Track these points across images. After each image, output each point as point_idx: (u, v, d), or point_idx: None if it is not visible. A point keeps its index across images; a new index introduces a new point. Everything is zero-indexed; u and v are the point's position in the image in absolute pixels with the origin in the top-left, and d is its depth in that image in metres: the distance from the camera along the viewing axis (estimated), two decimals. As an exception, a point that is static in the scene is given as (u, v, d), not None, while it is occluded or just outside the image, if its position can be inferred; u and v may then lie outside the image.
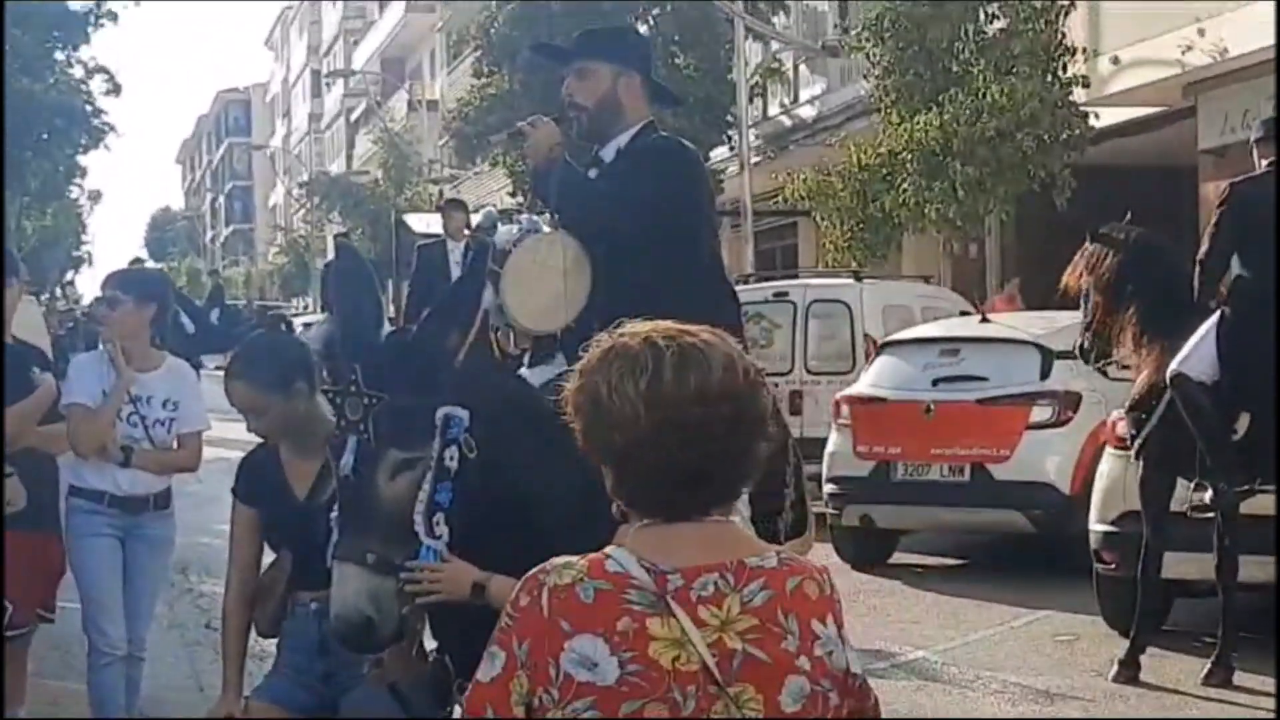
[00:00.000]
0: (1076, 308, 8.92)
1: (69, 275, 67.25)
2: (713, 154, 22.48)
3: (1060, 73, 16.82)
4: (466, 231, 14.23)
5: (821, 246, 20.33)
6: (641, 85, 5.00)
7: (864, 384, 12.29)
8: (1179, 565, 8.41)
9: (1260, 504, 8.02)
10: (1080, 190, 16.78)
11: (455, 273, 13.14)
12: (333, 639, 3.97)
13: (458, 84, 37.68)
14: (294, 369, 4.93)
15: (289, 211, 73.86)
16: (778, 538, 4.88)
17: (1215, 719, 7.71)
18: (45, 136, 31.90)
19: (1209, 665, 8.11)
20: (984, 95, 16.65)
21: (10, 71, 27.19)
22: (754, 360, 2.55)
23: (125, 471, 6.45)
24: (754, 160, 22.94)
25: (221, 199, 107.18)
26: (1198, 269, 8.08)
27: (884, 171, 17.98)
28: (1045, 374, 11.37)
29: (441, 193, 34.87)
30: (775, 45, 25.24)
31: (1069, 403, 11.14)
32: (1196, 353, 7.98)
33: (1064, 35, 16.93)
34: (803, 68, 26.07)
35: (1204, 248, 8.14)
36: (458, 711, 3.63)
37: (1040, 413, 11.21)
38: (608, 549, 2.43)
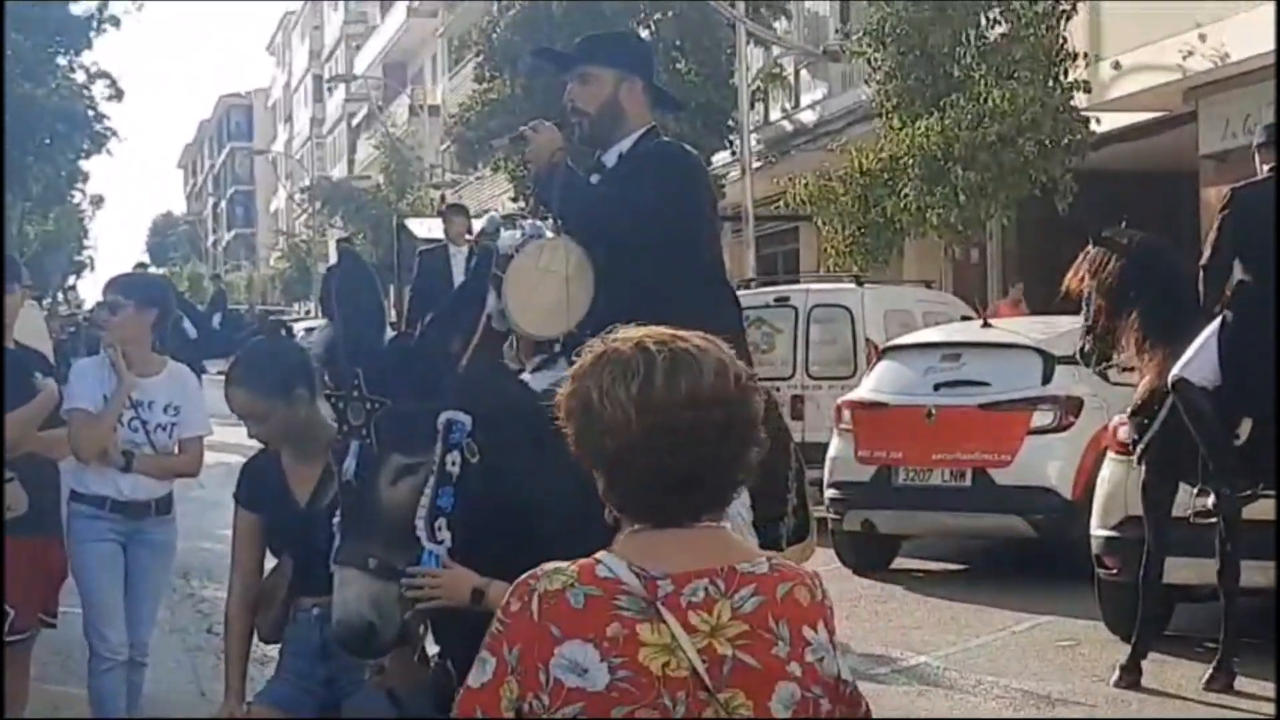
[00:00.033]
0: (1078, 312, 8.92)
1: (71, 280, 67.46)
2: (714, 159, 22.48)
3: (1061, 78, 16.83)
4: (468, 236, 14.23)
5: (823, 251, 20.33)
6: (643, 90, 5.01)
7: (865, 389, 12.29)
8: (1180, 570, 8.41)
9: (1262, 509, 8.02)
10: (1081, 195, 16.79)
11: (457, 278, 13.13)
12: (334, 644, 3.98)
13: (459, 89, 37.72)
14: (294, 375, 4.93)
15: (291, 216, 73.90)
16: (780, 543, 4.88)
17: (1217, 724, 7.72)
18: (47, 141, 31.92)
19: (1211, 670, 8.10)
20: (985, 100, 16.67)
21: (12, 76, 27.22)
22: (748, 366, 2.55)
23: (127, 476, 6.45)
24: (755, 165, 22.96)
25: (223, 204, 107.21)
26: (1201, 274, 8.08)
27: (885, 176, 17.99)
28: (1047, 379, 11.36)
29: (443, 198, 34.85)
30: (777, 50, 25.26)
31: (1070, 408, 11.14)
32: (1198, 358, 7.98)
33: (1065, 40, 16.95)
34: (804, 73, 26.09)
35: (1206, 253, 8.14)
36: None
37: (1042, 418, 11.20)
38: (598, 554, 2.43)
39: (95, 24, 32.42)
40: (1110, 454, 9.17)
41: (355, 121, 64.39)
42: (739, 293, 6.79)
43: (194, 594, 11.02)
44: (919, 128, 17.26)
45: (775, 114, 26.53)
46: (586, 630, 2.35)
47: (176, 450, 6.59)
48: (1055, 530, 10.93)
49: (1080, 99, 16.97)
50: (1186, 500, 8.23)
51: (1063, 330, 11.05)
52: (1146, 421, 8.30)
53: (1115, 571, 8.89)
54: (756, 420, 2.48)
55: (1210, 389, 7.94)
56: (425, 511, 3.73)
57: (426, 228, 23.70)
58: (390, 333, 4.01)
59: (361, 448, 3.72)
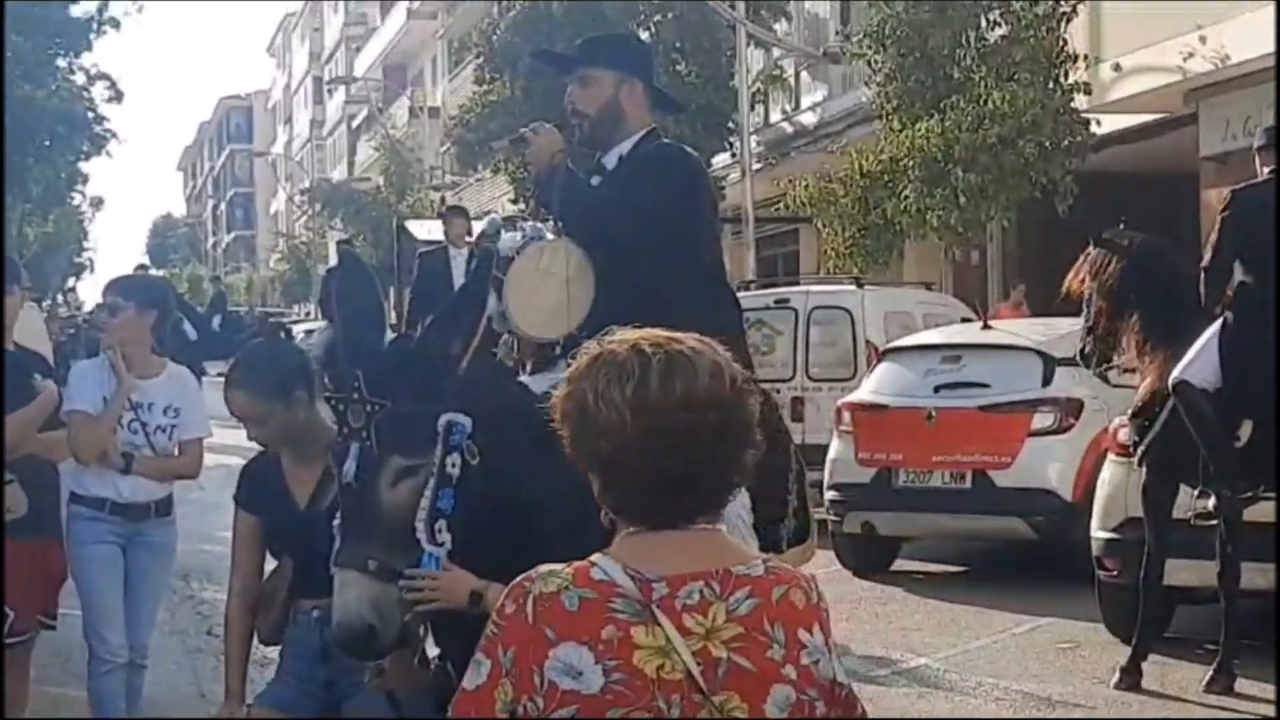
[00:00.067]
0: (1079, 313, 8.92)
1: (70, 282, 67.44)
2: (714, 160, 22.49)
3: (1062, 79, 16.84)
4: (468, 238, 14.23)
5: (823, 253, 20.34)
6: (644, 92, 5.00)
7: (865, 391, 12.29)
8: (1181, 572, 8.41)
9: (1262, 511, 8.02)
10: (1082, 197, 16.80)
11: (457, 280, 13.13)
12: (334, 646, 3.97)
13: (459, 91, 37.73)
14: (294, 377, 4.93)
15: (290, 218, 73.93)
16: (780, 545, 4.87)
17: (1217, 726, 7.72)
18: (47, 143, 31.94)
19: (1211, 672, 8.10)
20: (985, 102, 16.67)
21: (12, 78, 27.23)
22: (749, 368, 2.55)
23: (126, 478, 6.45)
24: (755, 167, 22.97)
25: (223, 205, 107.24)
26: (1202, 276, 8.08)
27: (885, 178, 17.99)
28: (1047, 381, 11.36)
29: (443, 199, 34.86)
30: (777, 52, 25.28)
31: (1071, 409, 11.13)
32: (1199, 360, 7.98)
33: (1065, 42, 16.95)
34: (804, 74, 26.10)
35: (1207, 255, 8.14)
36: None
37: (1042, 419, 11.20)
38: (593, 557, 2.43)
39: (95, 25, 32.45)
40: (1110, 456, 9.17)
41: (355, 123, 64.41)
42: (739, 294, 6.78)
43: (194, 596, 11.02)
44: (919, 130, 17.27)
45: (775, 116, 26.54)
46: (581, 633, 2.34)
47: (176, 452, 6.59)
48: (1055, 532, 10.93)
49: (1080, 101, 16.97)
50: (1187, 502, 8.23)
51: (1063, 332, 11.05)
52: (1147, 423, 8.30)
53: (1115, 573, 8.88)
54: (752, 422, 2.47)
55: (1211, 391, 7.93)
56: (425, 513, 3.73)
57: (426, 230, 23.71)
58: (390, 335, 4.01)
59: (362, 450, 3.72)
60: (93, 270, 75.13)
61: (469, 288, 4.42)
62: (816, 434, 12.97)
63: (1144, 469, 8.34)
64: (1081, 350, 8.88)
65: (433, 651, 4.19)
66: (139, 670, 6.66)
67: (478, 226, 14.18)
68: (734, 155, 23.41)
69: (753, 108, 23.76)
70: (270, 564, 5.10)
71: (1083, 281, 8.71)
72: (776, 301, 15.14)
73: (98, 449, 6.38)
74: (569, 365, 2.54)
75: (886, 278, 18.80)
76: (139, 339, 6.56)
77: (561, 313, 4.62)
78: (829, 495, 11.84)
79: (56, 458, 6.56)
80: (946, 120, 16.95)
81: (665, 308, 3.71)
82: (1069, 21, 17.03)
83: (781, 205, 21.12)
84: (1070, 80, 16.84)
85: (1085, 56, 17.01)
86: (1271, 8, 13.28)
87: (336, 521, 3.83)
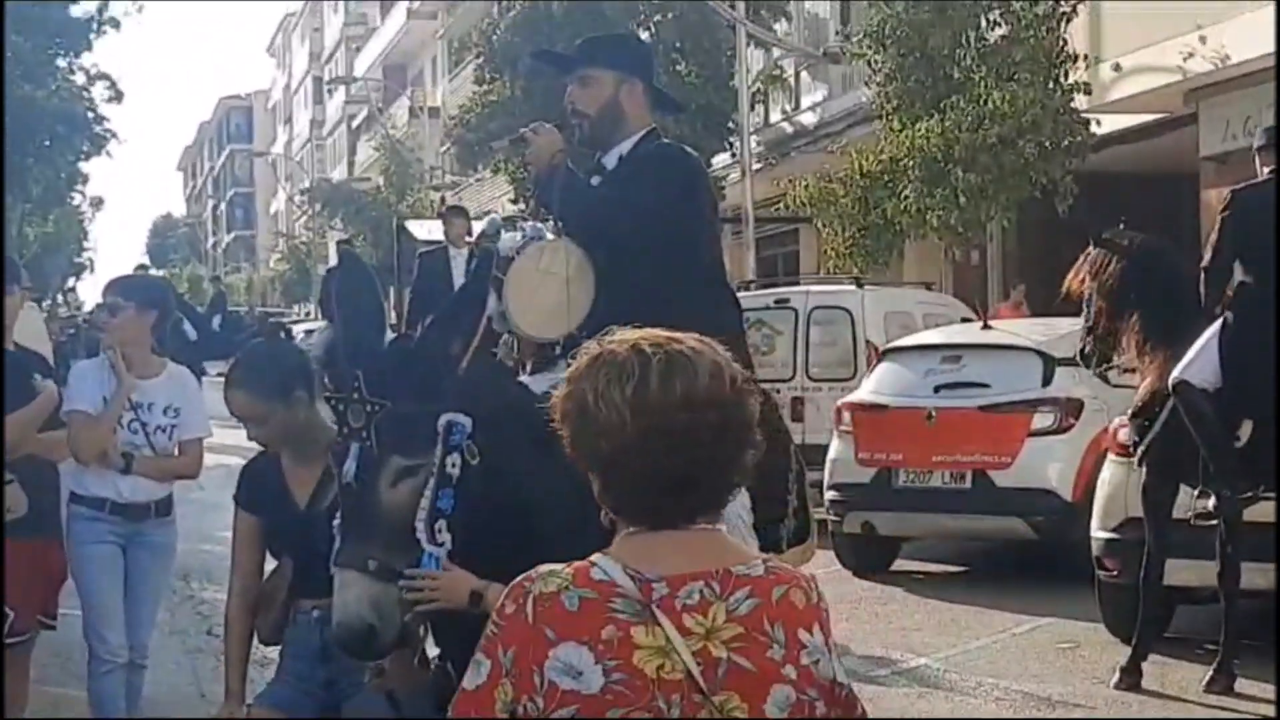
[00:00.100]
0: (1078, 313, 8.92)
1: (70, 282, 67.43)
2: (714, 160, 22.49)
3: (1062, 79, 16.84)
4: (468, 238, 14.24)
5: (823, 253, 20.33)
6: (644, 92, 5.00)
7: (865, 391, 12.29)
8: (1181, 572, 8.41)
9: (1262, 511, 8.02)
10: (1082, 197, 16.80)
11: (457, 280, 13.13)
12: (334, 646, 3.97)
13: (459, 91, 37.73)
14: (294, 377, 4.92)
15: (290, 218, 73.93)
16: (780, 545, 4.87)
17: (1217, 726, 7.72)
18: (47, 143, 31.94)
19: (1211, 672, 8.10)
20: (985, 102, 16.67)
21: (12, 78, 27.23)
22: (749, 368, 2.55)
23: (126, 478, 6.45)
24: (755, 167, 22.97)
25: (223, 205, 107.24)
26: (1202, 276, 8.08)
27: (885, 178, 17.99)
28: (1047, 381, 11.36)
29: (443, 199, 34.86)
30: (777, 52, 25.27)
31: (1071, 409, 11.13)
32: (1199, 360, 7.98)
33: (1065, 42, 16.95)
34: (804, 74, 26.10)
35: (1207, 255, 8.14)
36: None
37: (1042, 419, 11.20)
38: (593, 557, 2.43)
39: (95, 25, 32.45)
40: (1110, 456, 9.17)
41: (355, 123, 64.41)
42: (739, 294, 6.78)
43: (194, 596, 11.02)
44: (919, 130, 17.27)
45: (775, 116, 26.54)
46: (581, 633, 2.34)
47: (176, 452, 6.59)
48: (1055, 532, 10.93)
49: (1080, 101, 16.97)
50: (1187, 502, 8.23)
51: (1063, 332, 11.05)
52: (1147, 423, 8.30)
53: (1115, 573, 8.88)
54: (752, 422, 2.47)
55: (1211, 391, 7.94)
56: (425, 513, 3.73)
57: (426, 230, 23.72)
58: (390, 335, 4.01)
59: (362, 450, 3.72)
60: (93, 270, 75.18)
61: (469, 288, 4.42)
62: (816, 434, 12.97)
63: (1144, 469, 8.35)
64: (1081, 350, 8.88)
65: (433, 651, 4.19)
66: (139, 670, 6.66)
67: (478, 226, 14.17)
68: (734, 155, 23.41)
69: (753, 108, 23.76)
70: (270, 564, 5.10)
71: (1083, 281, 8.71)
72: (776, 301, 15.14)
73: (98, 449, 6.38)
74: (569, 365, 2.54)
75: (886, 278, 18.80)
76: (139, 339, 6.56)
77: (561, 313, 4.62)
78: (829, 495, 11.84)
79: (56, 458, 6.56)
80: (946, 120, 16.95)
81: (665, 308, 3.71)
82: (1069, 21, 17.03)
83: (781, 205, 21.12)
84: (1070, 80, 16.84)
85: (1085, 56, 17.01)
86: (1271, 8, 13.28)
87: (336, 521, 3.83)
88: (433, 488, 3.73)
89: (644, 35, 21.64)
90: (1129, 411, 8.60)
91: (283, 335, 6.81)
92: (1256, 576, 8.13)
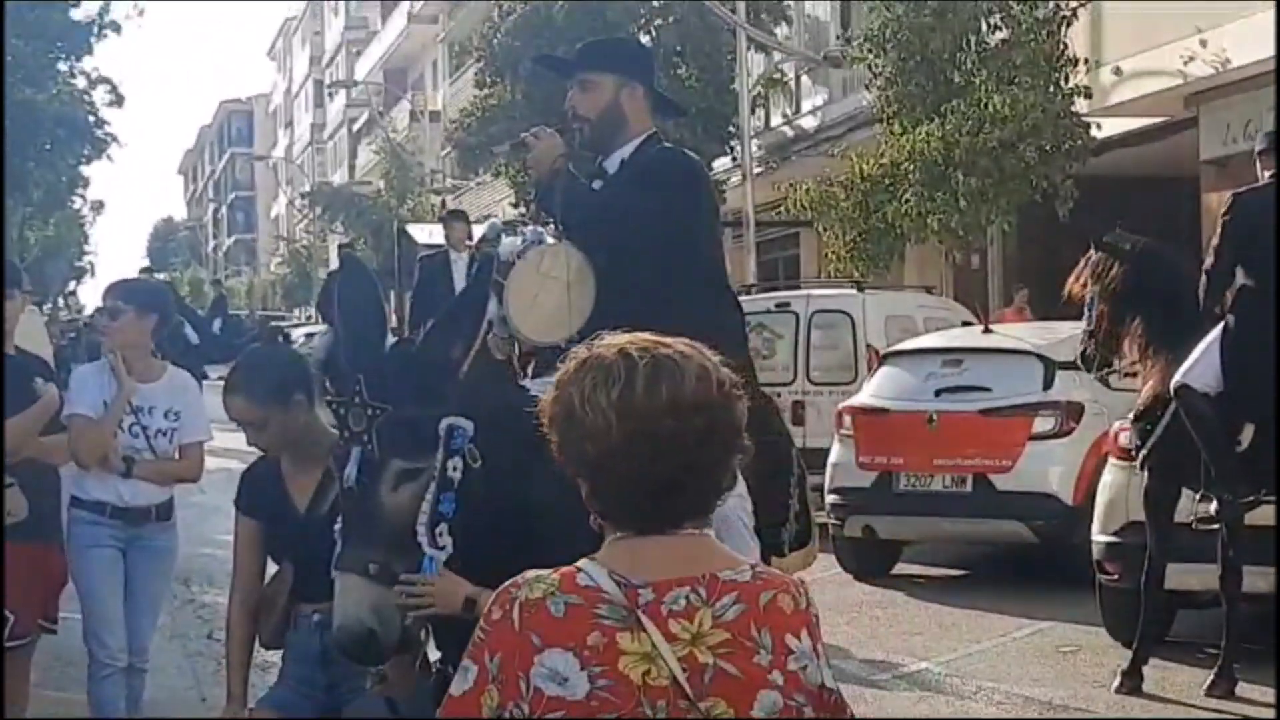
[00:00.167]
0: (1080, 317, 8.92)
1: (71, 285, 67.34)
2: (715, 164, 22.49)
3: (1062, 83, 16.84)
4: (469, 242, 14.25)
5: (824, 257, 20.33)
6: (644, 96, 5.00)
7: (866, 394, 12.28)
8: (1182, 576, 8.41)
9: (1264, 514, 8.02)
10: (1082, 200, 16.79)
11: (458, 284, 13.15)
12: (335, 650, 3.97)
13: (460, 94, 37.74)
14: (292, 382, 4.92)
15: (291, 222, 73.95)
16: (782, 548, 4.88)
17: (1218, 730, 7.71)
18: (48, 147, 31.94)
19: (1212, 676, 8.10)
20: (986, 106, 16.67)
21: (13, 82, 27.24)
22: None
23: (127, 482, 6.45)
24: (756, 171, 22.96)
25: (224, 209, 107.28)
26: (1203, 279, 8.08)
27: (886, 182, 17.99)
28: (1048, 384, 11.36)
29: (444, 203, 34.92)
30: (777, 56, 25.26)
31: (1072, 413, 11.13)
32: (1200, 363, 7.97)
33: (1066, 46, 16.95)
34: (805, 78, 26.10)
35: (1209, 259, 8.14)
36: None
37: (1043, 423, 11.20)
38: (580, 562, 2.42)
39: (96, 29, 32.45)
40: (1111, 459, 9.17)
41: (356, 127, 64.44)
42: (740, 298, 6.79)
43: (194, 599, 11.02)
44: (920, 133, 17.26)
45: (776, 119, 26.53)
46: (567, 639, 2.34)
47: (177, 456, 6.59)
48: (1056, 536, 10.92)
49: (1081, 104, 16.97)
50: (1188, 506, 8.23)
51: (1063, 336, 11.05)
52: (1149, 427, 8.30)
53: (1116, 577, 8.88)
54: (740, 427, 2.46)
55: (1212, 395, 7.94)
56: (426, 517, 3.73)
57: (427, 233, 23.74)
58: (391, 339, 4.00)
59: (363, 453, 3.72)
60: (93, 274, 75.05)
61: (470, 292, 4.41)
62: (817, 438, 12.96)
63: (1146, 473, 8.34)
64: (1082, 353, 8.87)
65: (434, 655, 4.19)
66: (139, 674, 6.66)
67: (478, 230, 14.18)
68: (734, 159, 23.41)
69: (753, 111, 23.75)
70: (272, 568, 5.10)
71: (1084, 285, 8.71)
72: (777, 305, 15.15)
73: (98, 453, 6.38)
74: (564, 369, 2.53)
75: (887, 281, 18.80)
76: (139, 343, 6.56)
77: (562, 317, 4.62)
78: (830, 499, 11.84)
79: (57, 461, 6.56)
80: (947, 124, 16.95)
81: (666, 311, 3.71)
82: (1069, 25, 17.02)
83: (782, 209, 21.12)
84: (1071, 84, 16.84)
85: (1086, 60, 17.01)
86: (1271, 11, 13.28)
87: (338, 526, 3.83)
88: (434, 491, 3.73)
89: (644, 39, 21.66)
90: (1130, 415, 8.60)
91: (281, 339, 6.80)
92: (1258, 580, 8.13)
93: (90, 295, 70.32)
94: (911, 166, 17.42)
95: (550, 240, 4.84)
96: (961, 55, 17.16)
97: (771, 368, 13.94)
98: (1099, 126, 17.24)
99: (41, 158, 32.13)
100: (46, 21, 30.63)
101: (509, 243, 4.85)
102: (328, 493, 4.58)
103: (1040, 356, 11.54)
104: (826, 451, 12.10)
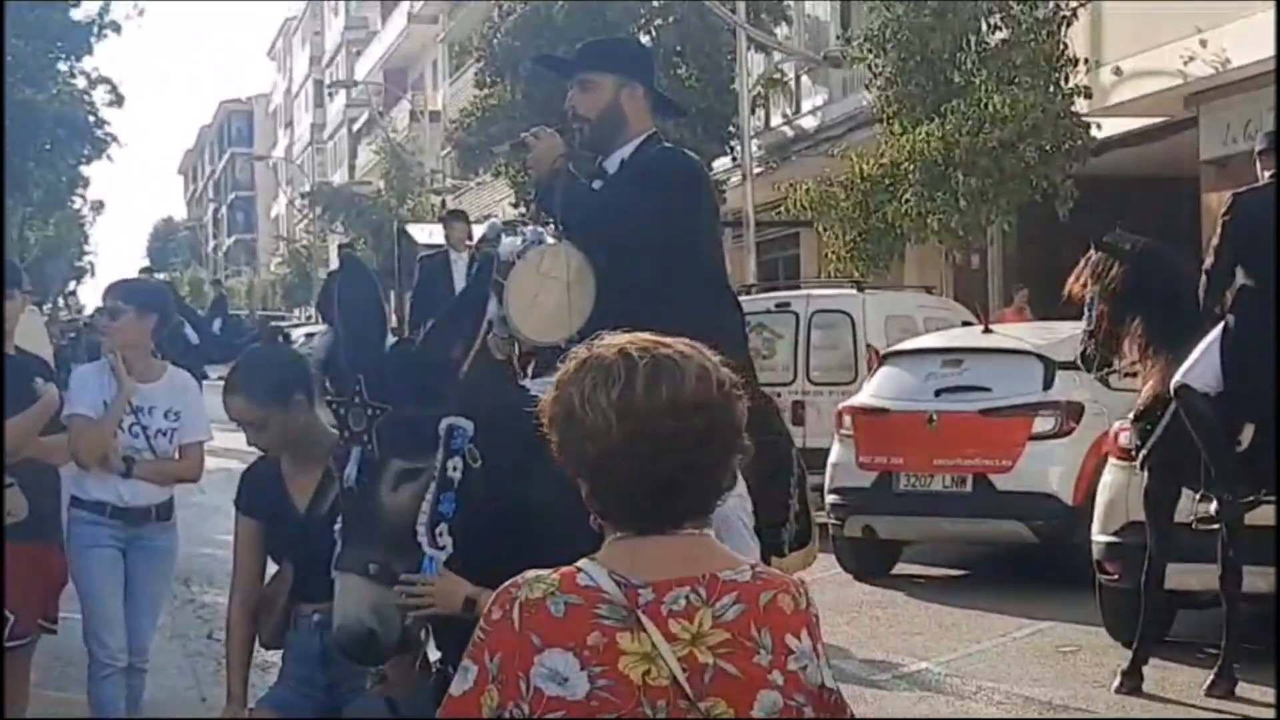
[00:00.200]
0: (1079, 317, 8.92)
1: (71, 285, 67.32)
2: (715, 164, 22.49)
3: (1062, 83, 16.83)
4: (469, 242, 14.25)
5: (824, 257, 20.33)
6: (644, 96, 5.00)
7: (866, 394, 12.28)
8: (1182, 576, 8.41)
9: (1264, 514, 8.02)
10: (1082, 201, 16.79)
11: (458, 284, 13.15)
12: (335, 650, 3.97)
13: (460, 95, 37.75)
14: (292, 382, 4.92)
15: (291, 222, 73.95)
16: (782, 548, 4.88)
17: (1218, 730, 7.71)
18: (48, 147, 31.94)
19: (1212, 676, 8.10)
20: (986, 106, 16.67)
21: (13, 82, 27.24)
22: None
23: (127, 482, 6.45)
24: (756, 171, 22.96)
25: (224, 209, 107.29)
26: (1204, 279, 8.08)
27: (886, 182, 17.99)
28: (1048, 384, 11.36)
29: (444, 203, 34.91)
30: (777, 56, 25.26)
31: (1072, 413, 11.13)
32: (1200, 363, 7.98)
33: (1066, 46, 16.95)
34: (805, 78, 26.10)
35: (1209, 259, 8.14)
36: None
37: (1043, 423, 11.20)
38: (580, 562, 2.42)
39: (96, 29, 32.45)
40: (1111, 459, 9.17)
41: (356, 127, 64.44)
42: (740, 298, 6.79)
43: (194, 599, 11.02)
44: (920, 133, 17.26)
45: (776, 119, 26.54)
46: (567, 639, 2.34)
47: (177, 455, 6.59)
48: (1056, 536, 10.92)
49: (1081, 104, 16.97)
50: (1189, 506, 8.23)
51: (1063, 336, 11.05)
52: (1149, 427, 8.30)
53: (1116, 577, 8.88)
54: (740, 427, 2.46)
55: (1212, 395, 7.94)
56: (426, 517, 3.73)
57: (427, 233, 23.75)
58: (392, 339, 4.00)
59: (363, 453, 3.72)
60: (93, 274, 75.03)
61: (470, 292, 4.41)
62: (817, 438, 12.96)
63: (1146, 473, 8.34)
64: (1082, 353, 8.87)
65: (434, 655, 4.19)
66: (139, 674, 6.66)
67: (478, 230, 14.18)
68: (734, 159, 23.41)
69: (753, 111, 23.75)
70: (272, 568, 5.10)
71: (1084, 285, 8.71)
72: (777, 305, 15.15)
73: (98, 453, 6.38)
74: (566, 369, 2.53)
75: (887, 281, 18.80)
76: (139, 343, 6.56)
77: (562, 317, 4.62)
78: (830, 499, 11.84)
79: (57, 461, 6.56)
80: (947, 124, 16.95)
81: (666, 311, 3.71)
82: (1069, 25, 17.02)
83: (782, 209, 21.11)
84: (1071, 84, 16.84)
85: (1086, 60, 17.01)
86: (1271, 11, 13.28)
87: (338, 526, 3.83)
88: (434, 491, 3.73)
89: (644, 39, 21.66)
90: (1130, 415, 8.60)
91: (280, 339, 6.80)
92: (1258, 580, 8.13)
93: (90, 295, 70.33)
94: (911, 166, 17.42)
95: (550, 240, 4.84)
96: (961, 55, 17.16)
97: (771, 368, 13.94)
98: (1099, 126, 17.24)
99: (41, 158, 32.13)
100: (46, 21, 30.63)
101: (509, 243, 4.85)
102: (328, 493, 4.58)
103: (1040, 356, 11.54)
104: (826, 451, 12.10)
